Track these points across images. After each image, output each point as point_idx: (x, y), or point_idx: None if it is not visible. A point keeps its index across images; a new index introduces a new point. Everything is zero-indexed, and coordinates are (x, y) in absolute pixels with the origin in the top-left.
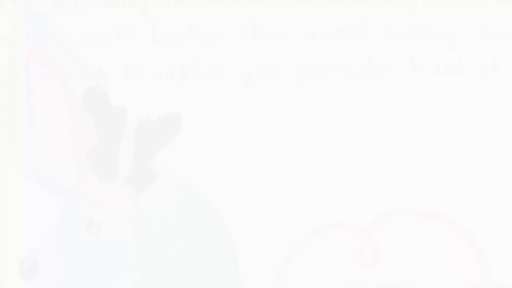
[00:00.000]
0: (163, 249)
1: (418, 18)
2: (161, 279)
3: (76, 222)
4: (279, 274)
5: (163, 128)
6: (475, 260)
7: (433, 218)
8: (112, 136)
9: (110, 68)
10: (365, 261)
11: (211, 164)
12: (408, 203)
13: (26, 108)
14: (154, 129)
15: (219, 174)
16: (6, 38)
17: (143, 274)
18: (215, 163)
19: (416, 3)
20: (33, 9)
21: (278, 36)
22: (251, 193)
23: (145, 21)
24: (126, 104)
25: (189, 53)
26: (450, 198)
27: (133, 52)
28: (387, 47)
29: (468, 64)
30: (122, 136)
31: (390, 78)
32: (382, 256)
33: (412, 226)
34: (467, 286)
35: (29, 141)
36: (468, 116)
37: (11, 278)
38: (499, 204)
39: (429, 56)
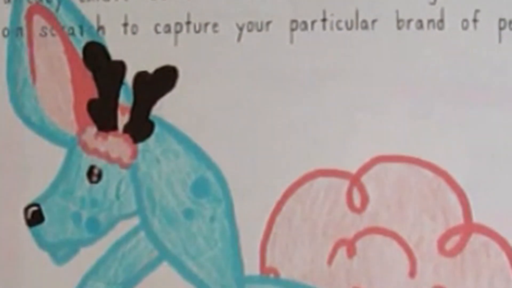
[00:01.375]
0: (161, 196)
1: None
2: (159, 224)
3: (78, 171)
4: (272, 217)
5: (160, 81)
6: (458, 204)
7: (418, 165)
8: (111, 88)
9: (108, 24)
10: (353, 205)
11: (207, 115)
12: (394, 150)
13: (28, 64)
14: (151, 81)
15: (215, 124)
16: None
17: (142, 220)
18: (211, 114)
19: None
20: None
21: None
22: (245, 141)
23: None
24: (124, 58)
25: (184, 10)
26: (434, 145)
27: (131, 9)
28: (373, 1)
29: (449, 18)
30: (120, 88)
31: (375, 32)
32: (370, 201)
33: (398, 173)
34: (451, 229)
35: (32, 95)
36: (450, 68)
37: (15, 226)
38: (481, 150)
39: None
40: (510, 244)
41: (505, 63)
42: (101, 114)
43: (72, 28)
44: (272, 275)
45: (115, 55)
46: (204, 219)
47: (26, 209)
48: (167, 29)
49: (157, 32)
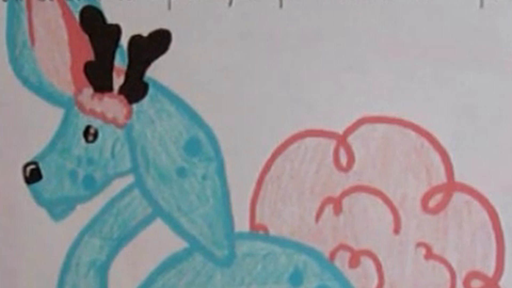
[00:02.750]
0: (155, 155)
1: None
2: (152, 182)
3: (75, 130)
4: (262, 175)
5: (154, 44)
6: (441, 163)
7: (402, 125)
8: (107, 51)
9: None
10: (339, 165)
11: (199, 77)
12: (380, 111)
13: (27, 27)
14: (146, 44)
15: (207, 86)
16: None
17: (136, 178)
18: (203, 76)
19: None
20: None
21: None
22: (236, 103)
23: None
24: (119, 21)
25: None
26: (417, 106)
27: None
28: None
29: None
30: (116, 51)
31: None
32: (356, 160)
33: (383, 133)
34: (433, 187)
35: (30, 57)
36: (433, 31)
37: (14, 184)
38: (463, 110)
39: None
40: (490, 202)
41: (486, 27)
42: (97, 75)
43: None
44: (261, 232)
45: (110, 19)
46: (196, 177)
47: (24, 167)
48: None
49: None
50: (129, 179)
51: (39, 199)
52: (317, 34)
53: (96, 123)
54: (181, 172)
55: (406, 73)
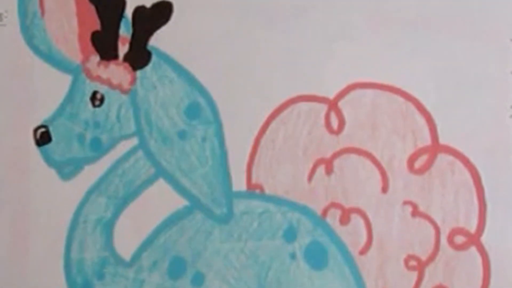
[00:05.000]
0: (157, 119)
1: None
2: (155, 144)
3: (82, 96)
4: (257, 138)
5: (156, 14)
6: (426, 126)
7: (389, 91)
8: (112, 21)
9: None
10: (331, 128)
11: (199, 45)
12: (368, 77)
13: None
14: (149, 15)
15: (206, 54)
16: None
17: (140, 140)
18: (203, 44)
19: None
20: None
21: None
22: (233, 69)
23: None
24: None
25: None
26: (404, 73)
27: None
28: None
29: None
30: (121, 21)
31: None
32: (346, 124)
33: (372, 98)
34: (419, 149)
35: (40, 27)
36: (418, 2)
37: (25, 146)
38: (447, 76)
39: None
40: (472, 163)
41: None
42: (103, 44)
43: None
44: (257, 191)
45: None
46: (196, 140)
47: (35, 131)
48: None
49: None
50: (134, 141)
51: (49, 160)
52: (310, 5)
53: (102, 88)
54: (182, 134)
55: (392, 42)
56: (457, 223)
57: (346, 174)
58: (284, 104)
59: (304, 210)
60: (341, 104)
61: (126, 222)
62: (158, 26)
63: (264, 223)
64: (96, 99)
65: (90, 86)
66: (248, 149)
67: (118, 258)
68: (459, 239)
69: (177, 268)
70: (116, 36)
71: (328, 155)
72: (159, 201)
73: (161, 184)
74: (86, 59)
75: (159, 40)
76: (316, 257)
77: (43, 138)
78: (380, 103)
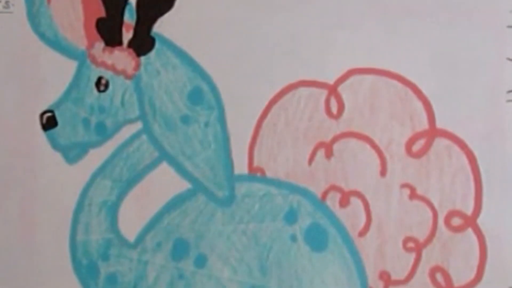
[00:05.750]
0: (161, 104)
1: None
2: (159, 128)
3: (87, 81)
4: (259, 122)
5: (160, 1)
6: (424, 111)
7: (388, 76)
8: (117, 8)
9: None
10: (330, 112)
11: (202, 32)
12: (367, 63)
13: None
14: (153, 1)
15: (209, 40)
16: None
17: (144, 125)
18: (205, 31)
19: None
20: None
21: None
22: (235, 55)
23: None
24: None
25: None
26: (402, 58)
27: None
28: None
29: None
30: (125, 8)
31: None
32: (345, 108)
33: (371, 83)
34: (417, 133)
35: (47, 14)
36: None
37: (32, 130)
38: (444, 62)
39: None
40: (469, 147)
41: None
42: (108, 31)
43: None
44: (259, 174)
45: None
46: (199, 124)
47: (41, 115)
48: None
49: None
50: (138, 126)
51: (54, 144)
52: None
53: (107, 74)
54: (185, 119)
55: (391, 29)
56: (454, 205)
57: (345, 157)
58: (285, 89)
59: (305, 193)
60: (340, 89)
61: (130, 204)
62: (162, 13)
63: (266, 205)
64: (101, 84)
65: (95, 72)
66: (250, 133)
67: (122, 240)
68: (456, 221)
69: (180, 249)
70: (120, 22)
71: (328, 139)
72: (163, 184)
73: (164, 167)
74: (91, 45)
75: (162, 26)
76: (316, 239)
77: (49, 122)
78: (379, 88)
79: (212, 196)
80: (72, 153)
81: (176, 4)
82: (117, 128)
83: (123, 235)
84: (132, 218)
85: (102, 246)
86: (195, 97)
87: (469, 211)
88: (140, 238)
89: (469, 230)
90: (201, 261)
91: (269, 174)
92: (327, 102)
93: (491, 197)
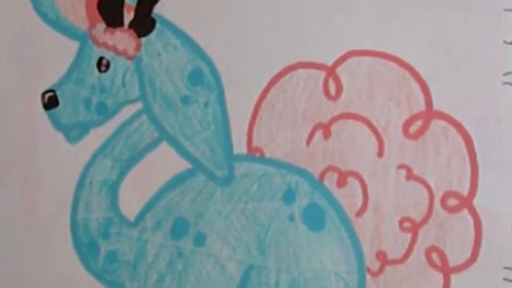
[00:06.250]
0: (161, 84)
1: None
2: (159, 108)
3: (89, 61)
4: (258, 103)
5: None
6: (421, 93)
7: (386, 58)
8: None
9: None
10: (329, 94)
11: (202, 13)
12: (366, 45)
13: None
14: None
15: (209, 21)
16: None
17: (145, 105)
18: (206, 12)
19: None
20: None
21: None
22: (235, 37)
23: None
24: None
25: None
26: (400, 41)
27: None
28: None
29: None
30: None
31: None
32: (343, 90)
33: (369, 65)
34: (414, 115)
35: None
36: None
37: (33, 110)
38: (441, 45)
39: None
40: (465, 128)
41: None
42: (109, 11)
43: None
44: (257, 154)
45: None
46: (199, 105)
47: (43, 95)
48: None
49: None
50: (138, 106)
51: (56, 123)
52: None
53: (108, 55)
54: (185, 100)
55: (390, 11)
56: (450, 186)
57: (343, 138)
58: (284, 71)
59: (303, 173)
60: (339, 71)
61: (130, 183)
62: None
63: (264, 185)
64: (102, 64)
65: (96, 52)
66: (249, 114)
67: (122, 218)
68: (452, 202)
69: (179, 228)
70: (121, 3)
71: (326, 120)
72: (163, 163)
73: (164, 147)
74: (92, 26)
75: (163, 7)
76: (314, 219)
77: (50, 102)
78: (376, 70)
79: (211, 175)
80: (73, 132)
81: None
82: (118, 108)
83: (123, 213)
84: (132, 197)
85: (103, 224)
86: (195, 78)
87: (465, 192)
88: (140, 216)
89: (465, 211)
90: (200, 240)
91: (267, 154)
92: (325, 83)
93: (487, 178)
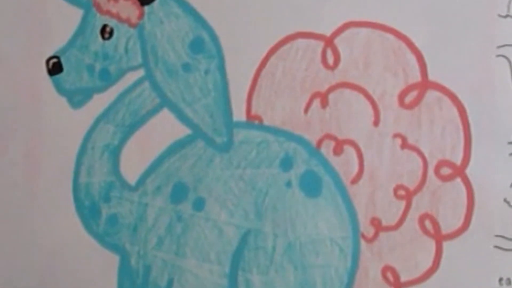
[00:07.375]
0: (163, 52)
1: None
2: (161, 76)
3: (92, 29)
4: (257, 71)
5: None
6: (416, 64)
7: (383, 30)
8: None
9: None
10: (327, 63)
11: None
12: (363, 17)
13: None
14: None
15: None
16: None
17: (147, 72)
18: None
19: None
20: None
21: None
22: (236, 7)
23: None
24: None
25: None
26: (396, 12)
27: None
28: None
29: None
30: None
31: None
32: (341, 60)
33: (366, 36)
34: (409, 85)
35: None
36: None
37: (38, 75)
38: (437, 16)
39: None
40: (460, 99)
41: None
42: None
43: None
44: (256, 122)
45: None
46: (200, 72)
47: (47, 61)
48: None
49: None
50: (140, 73)
51: (60, 89)
52: None
53: (111, 22)
54: (186, 67)
55: None
56: (444, 155)
57: (340, 107)
58: (284, 40)
59: (300, 141)
60: (337, 41)
61: (132, 148)
62: None
63: (262, 152)
64: (106, 32)
65: (100, 20)
66: (248, 82)
67: (123, 183)
68: (445, 171)
69: (179, 193)
70: None
71: (324, 89)
72: (164, 129)
73: (165, 113)
74: None
75: None
76: (311, 185)
77: (54, 68)
78: (373, 41)
79: (211, 141)
80: (77, 98)
81: None
82: (121, 74)
83: (125, 178)
84: (133, 162)
85: (104, 188)
86: (196, 46)
87: (458, 161)
88: (141, 181)
89: (458, 180)
90: (199, 204)
91: (266, 121)
92: (324, 53)
93: (480, 148)
